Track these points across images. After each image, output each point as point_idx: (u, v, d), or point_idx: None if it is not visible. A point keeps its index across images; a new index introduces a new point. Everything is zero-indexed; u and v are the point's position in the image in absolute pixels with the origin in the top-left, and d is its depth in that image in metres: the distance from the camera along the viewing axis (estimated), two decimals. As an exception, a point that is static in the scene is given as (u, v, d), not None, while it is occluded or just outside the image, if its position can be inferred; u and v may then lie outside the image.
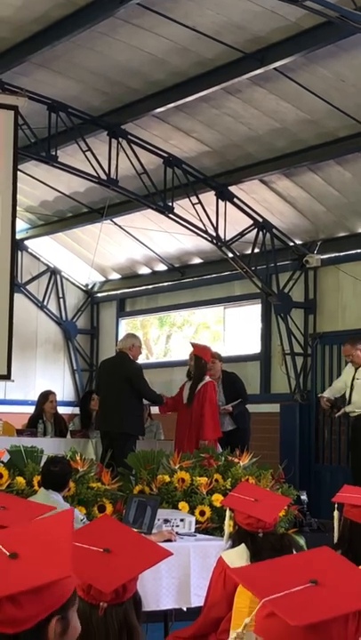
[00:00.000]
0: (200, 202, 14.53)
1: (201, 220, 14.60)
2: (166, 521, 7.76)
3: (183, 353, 18.30)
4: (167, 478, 8.91)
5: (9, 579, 2.14)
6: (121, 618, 2.83)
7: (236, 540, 5.19)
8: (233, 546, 5.19)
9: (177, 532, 7.60)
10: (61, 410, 13.71)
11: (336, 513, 5.99)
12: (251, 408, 12.79)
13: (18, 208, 13.77)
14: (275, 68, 11.72)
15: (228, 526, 5.77)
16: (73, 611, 2.28)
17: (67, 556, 2.22)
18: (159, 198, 14.57)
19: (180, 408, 11.48)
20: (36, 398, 13.34)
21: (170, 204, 14.53)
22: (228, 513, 5.76)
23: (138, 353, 11.59)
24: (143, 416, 11.62)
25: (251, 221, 14.98)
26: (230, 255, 15.03)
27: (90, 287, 20.05)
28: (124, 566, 2.73)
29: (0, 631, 2.14)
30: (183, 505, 8.73)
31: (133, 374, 11.30)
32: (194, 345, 12.08)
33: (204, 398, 11.35)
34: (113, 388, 11.27)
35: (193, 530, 7.92)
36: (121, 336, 18.63)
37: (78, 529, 2.84)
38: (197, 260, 17.58)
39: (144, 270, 18.84)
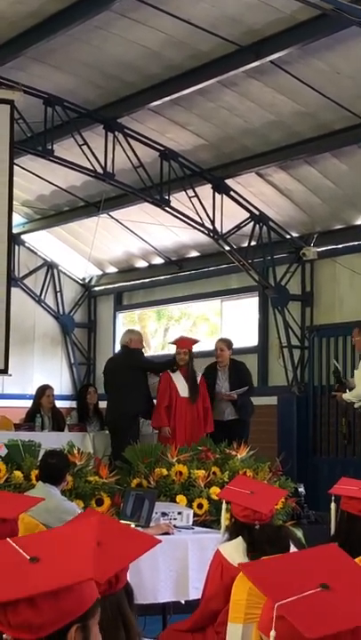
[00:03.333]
0: (197, 195, 14.53)
1: (198, 214, 14.60)
2: (164, 514, 7.78)
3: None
4: (165, 471, 8.93)
5: (28, 581, 2.08)
6: (115, 608, 2.85)
7: (232, 533, 5.20)
8: (230, 538, 5.20)
9: (175, 525, 7.62)
10: (59, 404, 13.70)
11: (333, 505, 6.00)
12: (248, 400, 12.79)
13: (14, 202, 13.78)
14: (270, 61, 11.72)
15: (224, 519, 5.78)
16: (94, 621, 2.21)
17: (88, 559, 2.17)
18: (156, 192, 14.56)
19: (174, 403, 11.33)
20: (33, 392, 13.34)
21: (166, 197, 14.53)
22: (224, 506, 5.78)
23: (138, 346, 11.70)
24: (152, 404, 11.40)
25: (247, 214, 14.98)
26: (227, 248, 15.03)
27: (87, 281, 20.05)
28: (114, 556, 2.73)
29: (16, 637, 2.07)
30: (181, 498, 8.75)
31: (142, 362, 11.67)
32: (185, 340, 11.87)
33: (204, 393, 11.34)
34: (125, 380, 11.34)
35: (191, 523, 7.94)
36: (118, 329, 18.76)
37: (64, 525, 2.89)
38: (194, 254, 17.58)
39: (141, 264, 18.84)
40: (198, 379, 11.34)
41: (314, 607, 2.12)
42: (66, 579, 2.11)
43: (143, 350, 12.27)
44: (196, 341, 11.88)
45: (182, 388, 11.28)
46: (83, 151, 13.85)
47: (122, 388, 11.36)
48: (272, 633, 2.11)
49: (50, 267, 19.67)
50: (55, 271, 19.71)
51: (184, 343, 11.55)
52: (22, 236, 19.04)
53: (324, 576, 2.21)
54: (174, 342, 11.74)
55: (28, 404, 13.25)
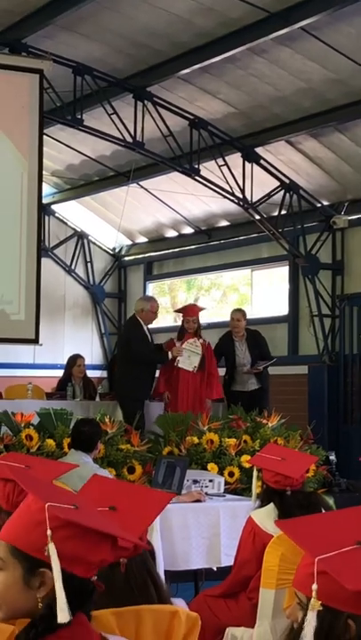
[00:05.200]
0: (226, 164, 14.47)
1: (227, 182, 14.54)
2: (195, 482, 7.81)
3: (211, 316, 18.34)
4: (196, 440, 8.96)
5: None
6: (141, 567, 2.89)
7: (264, 500, 5.22)
8: (262, 505, 5.23)
9: (206, 493, 7.65)
10: (90, 373, 13.76)
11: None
12: (279, 370, 12.77)
13: (44, 172, 13.76)
14: (300, 28, 11.61)
15: (255, 486, 5.80)
16: None
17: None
18: (185, 161, 14.52)
19: (176, 372, 11.07)
20: (64, 362, 13.40)
21: (196, 166, 14.48)
22: (255, 473, 5.79)
23: (149, 317, 11.09)
24: (149, 379, 11.02)
25: (277, 183, 14.91)
26: (257, 217, 14.98)
27: (117, 251, 20.07)
28: (136, 519, 2.81)
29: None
30: (212, 466, 8.78)
31: (131, 338, 11.05)
32: (193, 308, 11.75)
33: (211, 358, 11.23)
34: (119, 357, 11.36)
35: (222, 490, 7.97)
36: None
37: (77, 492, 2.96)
38: (224, 223, 17.54)
39: (171, 233, 18.82)
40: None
41: (353, 562, 2.13)
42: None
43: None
44: (202, 309, 11.84)
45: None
46: (112, 120, 13.82)
47: (118, 367, 11.36)
48: (314, 586, 2.12)
49: (80, 237, 19.69)
50: (85, 241, 19.73)
51: (193, 311, 11.40)
52: (52, 207, 19.08)
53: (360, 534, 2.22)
54: (181, 310, 11.55)
55: (59, 373, 13.32)
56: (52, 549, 2.16)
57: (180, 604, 3.17)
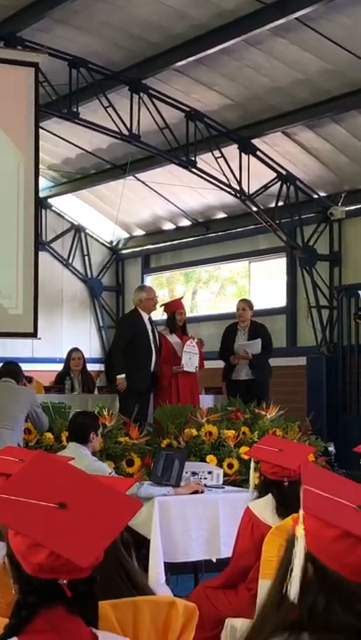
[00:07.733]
0: (223, 156, 14.46)
1: (224, 174, 14.54)
2: (194, 474, 7.82)
3: (209, 308, 18.34)
4: (195, 432, 8.96)
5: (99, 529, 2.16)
6: (112, 558, 2.84)
7: (262, 491, 5.23)
8: (260, 496, 5.23)
9: (205, 485, 7.66)
10: (89, 366, 13.74)
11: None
12: (277, 361, 12.73)
13: (41, 166, 13.75)
14: (296, 18, 11.58)
15: (253, 477, 5.80)
16: None
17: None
18: (182, 153, 14.51)
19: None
20: (63, 356, 13.39)
21: (193, 158, 14.47)
22: (252, 464, 5.80)
23: (149, 305, 10.81)
24: (145, 372, 10.67)
25: (274, 174, 14.90)
26: (254, 209, 14.97)
27: (114, 244, 20.05)
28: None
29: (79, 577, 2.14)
30: (211, 458, 8.78)
31: (114, 344, 11.01)
32: (179, 300, 11.70)
33: (201, 354, 11.17)
34: None
35: (221, 482, 7.98)
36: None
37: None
38: (221, 215, 17.53)
39: (168, 226, 18.81)
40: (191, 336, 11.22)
41: (338, 510, 2.14)
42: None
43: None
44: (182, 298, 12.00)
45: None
46: (108, 113, 13.80)
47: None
48: (299, 529, 2.14)
49: (77, 230, 19.68)
50: (82, 235, 19.73)
51: (181, 304, 11.48)
52: (49, 200, 19.06)
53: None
54: (170, 305, 11.48)
55: (58, 367, 13.29)
56: None
57: (163, 590, 3.14)
